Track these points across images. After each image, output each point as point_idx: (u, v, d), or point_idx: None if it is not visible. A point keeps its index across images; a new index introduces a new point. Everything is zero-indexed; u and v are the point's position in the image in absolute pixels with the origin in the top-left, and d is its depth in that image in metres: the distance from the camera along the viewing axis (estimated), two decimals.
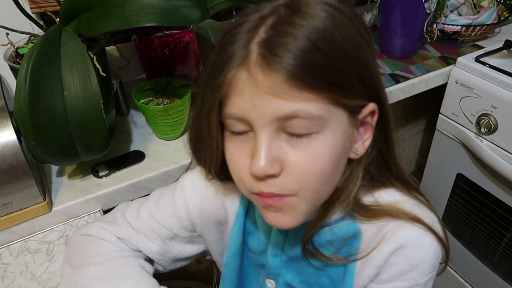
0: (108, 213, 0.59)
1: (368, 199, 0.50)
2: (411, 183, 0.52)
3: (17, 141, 0.59)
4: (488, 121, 0.91)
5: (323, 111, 0.38)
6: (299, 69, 0.36)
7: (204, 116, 0.42)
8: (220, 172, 0.49)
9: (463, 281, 1.19)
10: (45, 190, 0.66)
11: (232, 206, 0.56)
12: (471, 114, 0.96)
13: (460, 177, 1.07)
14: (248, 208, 0.56)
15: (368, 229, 0.49)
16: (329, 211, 0.47)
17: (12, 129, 0.59)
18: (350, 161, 0.46)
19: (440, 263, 0.51)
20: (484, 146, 0.94)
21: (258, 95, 0.37)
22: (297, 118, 0.38)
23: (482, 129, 0.93)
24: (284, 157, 0.40)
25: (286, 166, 0.40)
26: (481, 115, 0.93)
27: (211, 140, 0.44)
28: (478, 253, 1.11)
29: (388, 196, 0.50)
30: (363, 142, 0.45)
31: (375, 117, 0.44)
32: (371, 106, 0.43)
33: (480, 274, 1.12)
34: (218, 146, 0.44)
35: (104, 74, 0.60)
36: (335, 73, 0.38)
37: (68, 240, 0.57)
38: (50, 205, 0.65)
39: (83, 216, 0.67)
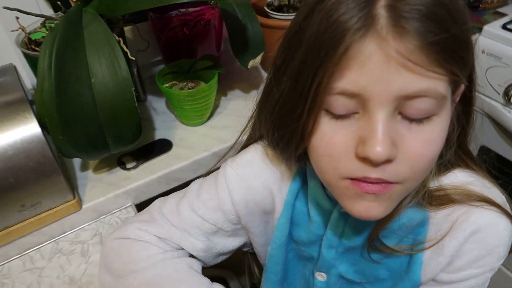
0: (143, 212, 0.55)
1: (433, 184, 0.46)
2: (477, 160, 0.49)
3: (42, 136, 0.53)
4: None
5: (446, 90, 0.34)
6: (438, 39, 0.31)
7: (304, 92, 0.36)
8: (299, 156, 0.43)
9: None
10: (73, 187, 0.61)
11: (280, 195, 0.52)
12: (499, 85, 0.93)
13: (483, 150, 1.05)
14: (297, 197, 0.53)
15: (436, 215, 0.46)
16: (404, 201, 0.43)
17: (36, 122, 0.53)
18: None
19: None
20: None
21: (387, 67, 0.32)
22: (424, 97, 0.34)
23: (511, 100, 0.90)
24: (400, 140, 0.35)
25: (401, 151, 0.35)
26: (509, 85, 0.90)
27: (308, 118, 0.37)
28: None
29: (455, 178, 0.47)
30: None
31: (459, 97, 0.40)
32: (463, 87, 0.39)
33: None
34: (309, 131, 0.38)
35: (134, 58, 0.55)
36: (466, 47, 0.34)
37: (103, 245, 0.52)
38: (80, 202, 0.60)
39: (115, 212, 0.63)
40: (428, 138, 0.35)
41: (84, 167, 0.67)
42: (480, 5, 1.02)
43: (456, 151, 0.46)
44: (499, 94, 0.94)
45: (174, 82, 0.72)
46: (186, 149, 0.69)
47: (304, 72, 0.35)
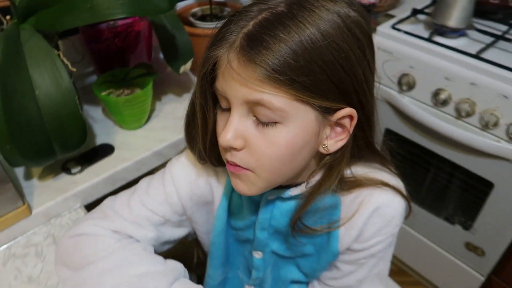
0: (94, 210, 0.59)
1: (346, 174, 0.55)
2: (382, 155, 0.60)
3: None
4: (408, 80, 1.06)
5: (286, 105, 0.42)
6: (269, 67, 0.39)
7: (201, 92, 0.47)
8: (210, 155, 0.53)
9: None
10: (22, 194, 0.64)
11: (218, 189, 0.60)
12: (393, 75, 1.10)
13: (388, 132, 1.23)
14: (232, 189, 0.60)
15: (346, 199, 0.57)
16: (318, 191, 0.52)
17: None
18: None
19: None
20: (406, 102, 1.10)
21: (232, 79, 0.42)
22: (262, 106, 0.42)
23: (404, 87, 1.08)
24: (248, 136, 0.45)
25: (248, 144, 0.45)
26: (402, 75, 1.08)
27: (206, 112, 0.48)
28: (409, 194, 1.29)
29: (362, 168, 0.57)
30: (336, 142, 0.48)
31: (354, 121, 0.46)
32: (347, 110, 0.45)
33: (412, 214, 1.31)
34: (210, 123, 0.49)
35: (75, 69, 0.60)
36: (303, 73, 0.40)
37: (58, 244, 0.56)
38: (30, 208, 0.64)
39: (65, 214, 0.67)
40: (270, 140, 0.44)
41: (28, 176, 0.69)
42: (374, 9, 1.19)
43: (363, 149, 0.55)
44: (394, 83, 1.11)
45: (110, 90, 0.77)
46: (128, 151, 0.75)
47: (203, 77, 0.46)
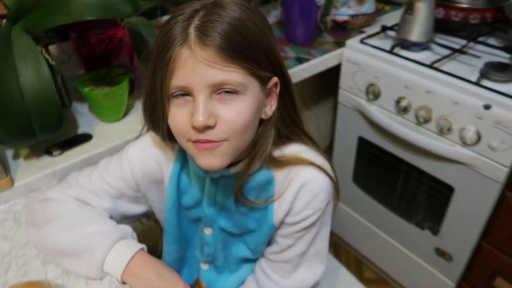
0: (62, 182, 0.70)
1: (277, 153, 0.65)
2: (311, 137, 0.69)
3: None
4: (374, 89, 1.15)
5: (244, 79, 0.52)
6: (225, 45, 0.49)
7: (157, 88, 0.54)
8: (168, 134, 0.61)
9: (374, 227, 1.43)
10: (6, 168, 0.75)
11: (167, 169, 0.69)
12: (361, 85, 1.19)
13: (361, 140, 1.30)
14: (181, 170, 0.69)
15: (278, 175, 0.65)
16: (252, 164, 0.62)
17: None
18: (263, 122, 0.60)
19: (334, 200, 0.69)
20: (374, 110, 1.18)
21: (197, 66, 0.50)
22: (226, 85, 0.51)
23: (370, 96, 1.16)
24: (217, 112, 0.52)
25: (219, 119, 0.53)
26: (368, 85, 1.16)
27: (163, 105, 0.55)
28: (382, 201, 1.35)
29: (292, 149, 0.65)
30: (271, 107, 0.59)
31: (278, 88, 0.59)
32: (275, 79, 0.57)
33: (385, 219, 1.36)
34: (166, 110, 0.56)
35: (54, 62, 0.72)
36: (251, 49, 0.52)
37: (29, 207, 0.67)
38: (12, 181, 0.74)
39: (43, 189, 0.78)
40: (237, 110, 0.53)
41: (16, 156, 0.81)
42: (348, 26, 1.30)
43: (293, 129, 0.65)
44: (362, 92, 1.20)
45: (93, 87, 0.88)
46: (104, 139, 0.86)
47: (154, 78, 0.54)
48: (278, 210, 0.66)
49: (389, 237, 1.39)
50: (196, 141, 0.54)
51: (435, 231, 1.21)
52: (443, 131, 1.02)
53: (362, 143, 1.31)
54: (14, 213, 0.73)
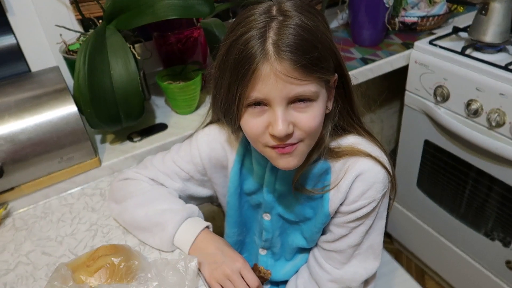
0: (139, 164, 0.79)
1: (333, 144, 0.68)
2: (367, 129, 0.71)
3: (77, 112, 0.79)
4: (442, 91, 1.12)
5: (317, 88, 0.56)
6: (303, 60, 0.52)
7: (234, 97, 0.56)
8: (237, 129, 0.65)
9: (438, 235, 1.38)
10: (96, 150, 0.86)
11: (231, 155, 0.74)
12: (429, 87, 1.17)
13: (427, 143, 1.27)
14: (244, 157, 0.74)
15: (335, 165, 0.68)
16: (312, 156, 0.65)
17: (74, 103, 0.79)
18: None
19: (390, 199, 0.70)
20: (442, 113, 1.15)
21: (277, 81, 0.53)
22: (303, 96, 0.55)
23: (438, 98, 1.14)
24: (294, 120, 0.56)
25: (295, 125, 0.56)
26: (436, 87, 1.14)
27: (238, 111, 0.58)
28: (448, 208, 1.30)
29: (348, 140, 0.68)
30: (330, 101, 0.63)
31: (336, 83, 0.62)
32: (335, 76, 0.61)
33: (451, 227, 1.31)
34: (240, 116, 0.60)
35: (140, 57, 0.81)
36: (324, 60, 0.55)
37: (110, 185, 0.76)
38: (100, 161, 0.85)
39: (124, 170, 0.87)
40: (311, 115, 0.57)
41: (103, 141, 0.92)
42: (417, 28, 1.28)
43: (350, 121, 0.68)
44: (430, 95, 1.18)
45: (170, 82, 0.97)
46: (178, 129, 0.94)
47: (232, 87, 0.57)
48: (333, 198, 0.68)
49: (455, 247, 1.33)
50: (275, 147, 0.58)
51: (506, 242, 1.15)
52: None
53: (428, 146, 1.27)
54: (101, 189, 0.83)
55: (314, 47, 0.54)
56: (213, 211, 0.91)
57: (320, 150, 0.65)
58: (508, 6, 1.02)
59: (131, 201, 0.71)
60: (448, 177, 1.25)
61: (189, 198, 0.78)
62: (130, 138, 0.91)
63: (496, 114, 1.01)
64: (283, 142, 0.57)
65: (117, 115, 0.81)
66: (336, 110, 0.65)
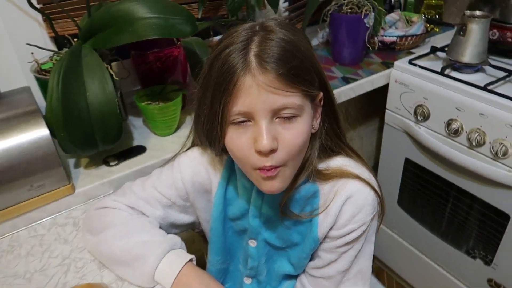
0: (117, 191, 0.74)
1: (322, 166, 0.66)
2: (355, 150, 0.70)
3: (49, 135, 0.74)
4: (422, 110, 1.13)
5: (302, 101, 0.54)
6: (285, 71, 0.51)
7: (217, 113, 0.55)
8: (221, 150, 0.63)
9: (419, 253, 1.38)
10: (69, 176, 0.81)
11: (215, 179, 0.71)
12: (409, 106, 1.17)
13: (408, 162, 1.27)
14: (228, 181, 0.71)
15: (324, 188, 0.66)
16: (299, 178, 0.63)
17: (46, 126, 0.74)
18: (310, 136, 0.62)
19: (378, 221, 0.68)
20: (422, 132, 1.15)
21: (260, 92, 0.51)
22: (287, 108, 0.53)
23: (419, 117, 1.14)
24: (278, 135, 0.54)
25: (280, 142, 0.54)
26: (417, 106, 1.15)
27: (222, 129, 0.56)
28: (429, 226, 1.30)
29: (337, 161, 0.66)
30: (316, 120, 0.61)
31: (322, 102, 0.61)
32: (321, 94, 0.60)
33: (433, 245, 1.31)
34: (224, 134, 0.58)
35: (117, 78, 0.77)
36: (306, 72, 0.55)
37: (86, 215, 0.71)
38: (74, 187, 0.79)
39: (100, 197, 0.82)
40: (296, 132, 0.55)
41: (77, 165, 0.86)
42: (396, 47, 1.29)
43: (337, 142, 0.67)
44: (410, 113, 1.18)
45: (148, 102, 0.93)
46: (157, 151, 0.90)
47: (214, 102, 0.55)
48: (322, 222, 0.66)
49: (436, 265, 1.33)
50: (261, 169, 0.56)
51: (488, 261, 1.15)
52: (498, 155, 0.98)
53: (409, 165, 1.28)
54: (74, 219, 0.77)
55: (296, 57, 0.53)
56: (193, 233, 0.86)
57: (307, 172, 0.63)
58: (485, 27, 1.04)
59: (109, 232, 0.66)
60: (428, 195, 1.26)
61: (171, 226, 0.73)
62: (106, 162, 0.86)
63: (477, 134, 1.02)
64: (268, 162, 0.55)
65: (92, 138, 0.77)
66: (323, 129, 0.64)
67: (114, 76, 0.77)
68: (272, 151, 0.54)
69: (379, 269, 1.63)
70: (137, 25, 0.72)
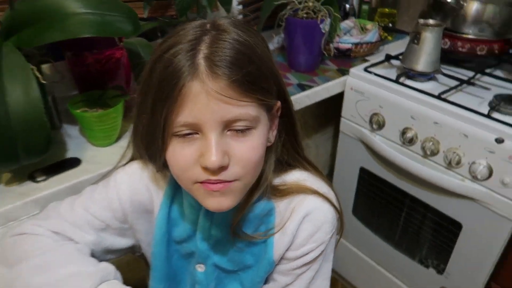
0: (40, 213, 0.63)
1: (277, 181, 0.61)
2: (312, 163, 0.65)
3: None
4: (378, 119, 1.11)
5: (258, 112, 0.49)
6: (240, 77, 0.45)
7: (159, 123, 0.48)
8: (164, 165, 0.55)
9: (374, 263, 1.37)
10: None
11: (157, 197, 0.63)
12: (365, 114, 1.15)
13: (363, 171, 1.26)
14: (173, 199, 0.64)
15: (280, 205, 0.60)
16: (252, 196, 0.57)
17: None
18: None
19: (337, 235, 0.64)
20: (377, 140, 1.14)
21: (210, 100, 0.45)
22: (240, 120, 0.47)
23: (374, 126, 1.12)
24: (230, 150, 0.48)
25: (232, 157, 0.48)
26: (372, 114, 1.13)
27: (163, 141, 0.50)
28: (383, 236, 1.29)
29: (293, 176, 0.61)
30: (272, 132, 0.56)
31: (279, 111, 0.56)
32: (278, 103, 0.54)
33: (387, 255, 1.30)
34: (166, 147, 0.51)
35: (45, 82, 0.67)
36: (264, 79, 0.49)
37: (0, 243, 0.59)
38: None
39: (23, 219, 0.71)
40: (251, 146, 0.49)
41: None
42: (351, 54, 1.27)
43: (294, 155, 0.62)
44: (366, 122, 1.16)
45: (85, 109, 0.83)
46: (94, 164, 0.79)
47: (156, 110, 0.48)
48: (278, 243, 0.61)
49: (391, 275, 1.32)
50: (205, 182, 0.49)
51: (440, 269, 1.15)
52: (452, 164, 0.98)
53: (364, 174, 1.26)
54: None
55: (253, 62, 0.47)
56: (131, 256, 0.77)
57: (262, 188, 0.57)
58: (438, 36, 1.04)
59: (27, 264, 0.53)
60: (383, 205, 1.24)
61: (106, 252, 0.63)
62: (32, 177, 0.75)
63: (431, 143, 1.01)
64: (215, 176, 0.48)
65: (13, 151, 0.66)
66: (279, 142, 0.59)
67: (41, 79, 0.66)
68: (222, 168, 0.48)
69: (334, 280, 1.61)
70: (68, 22, 0.63)
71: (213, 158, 0.46)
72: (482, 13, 1.11)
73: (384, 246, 1.29)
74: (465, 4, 1.10)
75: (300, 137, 0.62)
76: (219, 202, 0.51)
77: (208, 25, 0.49)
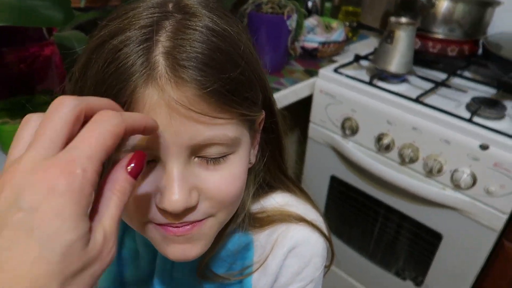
0: None
1: (256, 207, 0.49)
2: (296, 182, 0.54)
3: None
4: (351, 124, 1.02)
5: (238, 132, 0.35)
6: (218, 86, 0.31)
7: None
8: None
9: (347, 276, 1.28)
10: None
11: None
12: (336, 119, 1.06)
13: (333, 179, 1.17)
14: (123, 235, 0.51)
15: (259, 237, 0.48)
16: (227, 229, 0.45)
17: None
18: None
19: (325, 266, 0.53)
20: (350, 147, 1.05)
21: (172, 118, 0.31)
22: (214, 145, 0.34)
23: (347, 132, 1.04)
24: (200, 183, 0.35)
25: (203, 191, 0.35)
26: (344, 119, 1.04)
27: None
28: (356, 247, 1.21)
29: (275, 200, 0.49)
30: (254, 150, 0.43)
31: (262, 124, 0.42)
32: (263, 115, 0.41)
33: (361, 267, 1.22)
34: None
35: None
36: (249, 87, 0.35)
37: None
38: None
39: None
40: (228, 176, 0.36)
41: None
42: (318, 54, 1.18)
43: (277, 175, 0.50)
44: (337, 127, 1.07)
45: (6, 120, 0.66)
46: None
47: None
48: (258, 283, 0.49)
49: (364, 287, 1.25)
50: (164, 225, 0.36)
51: (418, 282, 1.09)
52: (433, 172, 0.91)
53: (335, 182, 1.17)
54: None
55: (234, 63, 0.33)
56: None
57: (239, 219, 0.45)
58: (412, 35, 0.98)
59: None
60: (356, 215, 1.16)
61: None
62: None
63: (410, 150, 0.93)
64: (178, 220, 0.35)
65: None
66: (261, 163, 0.46)
67: None
68: (189, 210, 0.35)
69: None
70: None
71: (175, 197, 0.33)
72: (452, 11, 1.06)
73: (358, 258, 1.21)
74: (436, 2, 1.05)
75: (286, 152, 0.50)
76: (184, 250, 0.37)
77: (170, 5, 0.34)
